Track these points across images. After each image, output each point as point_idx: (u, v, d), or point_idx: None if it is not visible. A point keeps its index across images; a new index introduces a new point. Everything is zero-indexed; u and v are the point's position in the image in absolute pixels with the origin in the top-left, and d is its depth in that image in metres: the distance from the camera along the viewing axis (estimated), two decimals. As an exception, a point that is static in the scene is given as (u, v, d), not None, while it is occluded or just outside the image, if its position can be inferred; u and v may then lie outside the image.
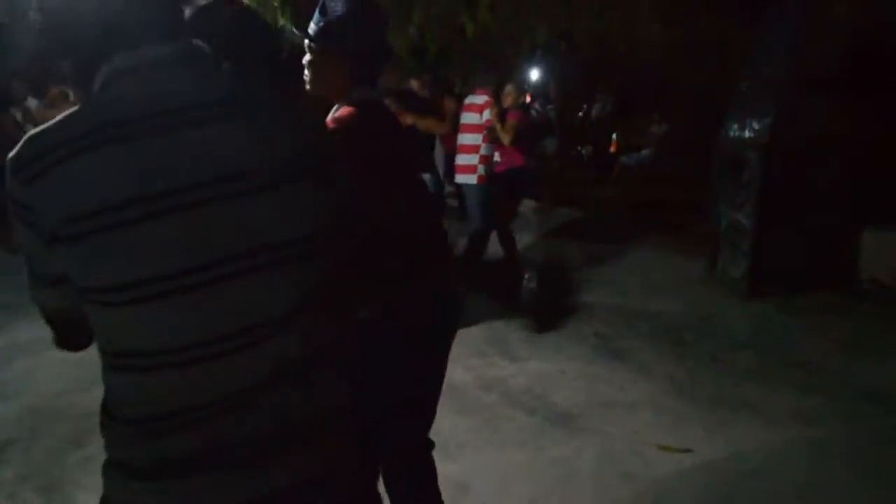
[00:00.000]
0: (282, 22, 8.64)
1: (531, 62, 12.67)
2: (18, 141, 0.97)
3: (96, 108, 1.01)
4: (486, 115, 5.84)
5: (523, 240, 8.04)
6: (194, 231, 0.96)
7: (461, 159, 5.95)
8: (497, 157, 6.08)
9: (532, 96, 11.16)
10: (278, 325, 1.02)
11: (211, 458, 1.00)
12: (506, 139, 5.91)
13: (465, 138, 5.94)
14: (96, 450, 3.28)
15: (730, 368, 4.31)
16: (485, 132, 5.81)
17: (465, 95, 6.53)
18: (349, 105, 1.89)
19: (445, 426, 3.09)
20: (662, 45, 7.77)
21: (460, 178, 6.01)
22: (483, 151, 5.80)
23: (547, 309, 5.57)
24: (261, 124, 1.04)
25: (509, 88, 6.40)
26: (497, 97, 6.05)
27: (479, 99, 5.96)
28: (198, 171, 0.97)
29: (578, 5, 7.24)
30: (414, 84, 7.47)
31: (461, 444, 3.34)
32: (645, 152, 12.36)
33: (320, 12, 1.90)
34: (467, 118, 5.97)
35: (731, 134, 5.92)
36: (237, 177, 0.99)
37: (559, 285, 6.28)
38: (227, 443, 1.00)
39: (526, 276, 6.37)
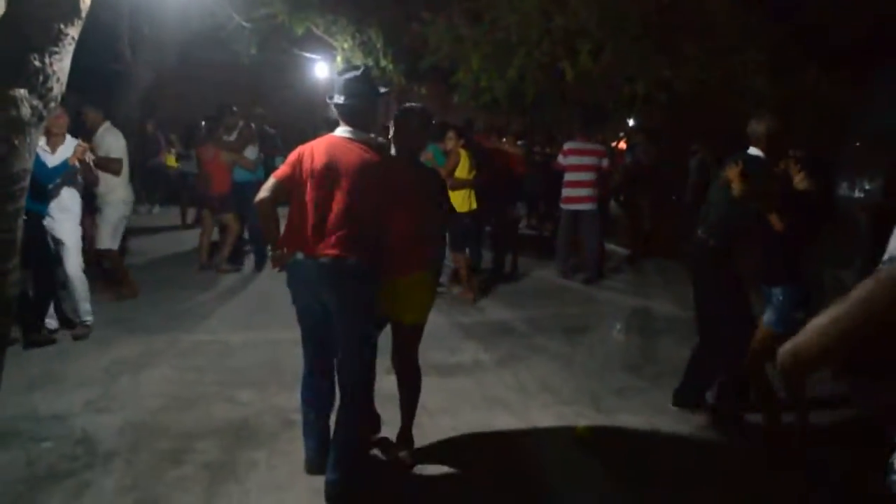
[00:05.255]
0: (383, 63, 8.94)
1: (629, 110, 12.57)
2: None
3: None
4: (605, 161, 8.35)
5: (618, 288, 7.95)
6: None
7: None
8: None
9: (629, 145, 11.07)
10: None
11: None
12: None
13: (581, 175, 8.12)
14: (191, 470, 3.44)
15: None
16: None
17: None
18: None
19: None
20: (767, 97, 7.58)
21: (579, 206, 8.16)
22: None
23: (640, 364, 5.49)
24: None
25: None
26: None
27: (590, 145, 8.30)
28: None
29: (682, 56, 7.17)
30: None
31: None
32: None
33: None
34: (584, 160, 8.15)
35: (840, 193, 5.72)
36: None
37: (650, 338, 6.17)
38: None
39: (618, 327, 6.41)
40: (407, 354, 3.65)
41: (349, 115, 3.27)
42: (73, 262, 5.47)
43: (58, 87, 2.67)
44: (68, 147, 5.40)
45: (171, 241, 10.05)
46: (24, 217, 4.82)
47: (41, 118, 2.66)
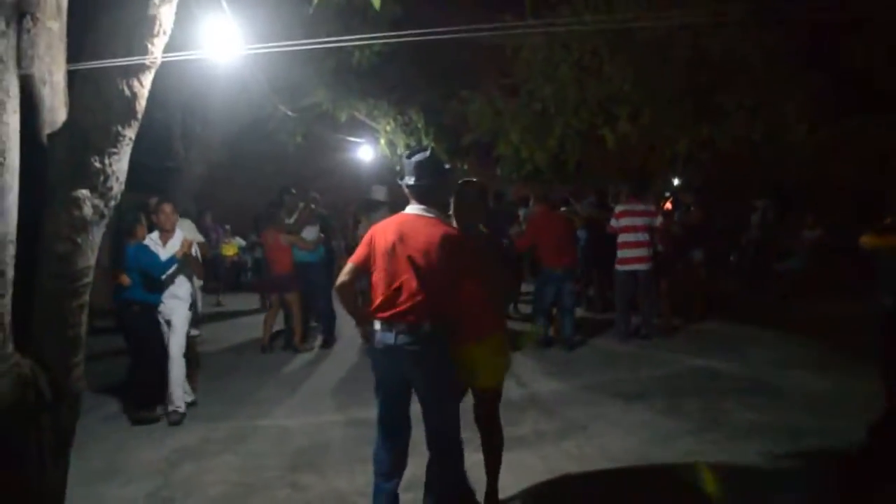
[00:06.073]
0: (425, 142, 9.15)
1: (673, 170, 12.54)
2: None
3: None
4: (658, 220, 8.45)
5: (674, 349, 7.77)
6: None
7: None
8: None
9: (674, 203, 10.99)
10: None
11: None
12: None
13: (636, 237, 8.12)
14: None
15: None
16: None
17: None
18: None
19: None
20: (811, 145, 7.49)
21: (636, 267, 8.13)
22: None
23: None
24: None
25: None
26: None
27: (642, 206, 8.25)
28: None
29: (721, 112, 7.18)
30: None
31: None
32: (796, 258, 11.65)
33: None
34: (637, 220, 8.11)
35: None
36: None
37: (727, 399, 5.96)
38: None
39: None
40: (490, 416, 3.76)
41: (421, 194, 3.43)
42: (177, 344, 5.77)
43: (117, 186, 2.80)
44: (177, 240, 5.87)
45: (228, 329, 10.23)
46: (137, 306, 5.68)
47: (102, 216, 2.78)
